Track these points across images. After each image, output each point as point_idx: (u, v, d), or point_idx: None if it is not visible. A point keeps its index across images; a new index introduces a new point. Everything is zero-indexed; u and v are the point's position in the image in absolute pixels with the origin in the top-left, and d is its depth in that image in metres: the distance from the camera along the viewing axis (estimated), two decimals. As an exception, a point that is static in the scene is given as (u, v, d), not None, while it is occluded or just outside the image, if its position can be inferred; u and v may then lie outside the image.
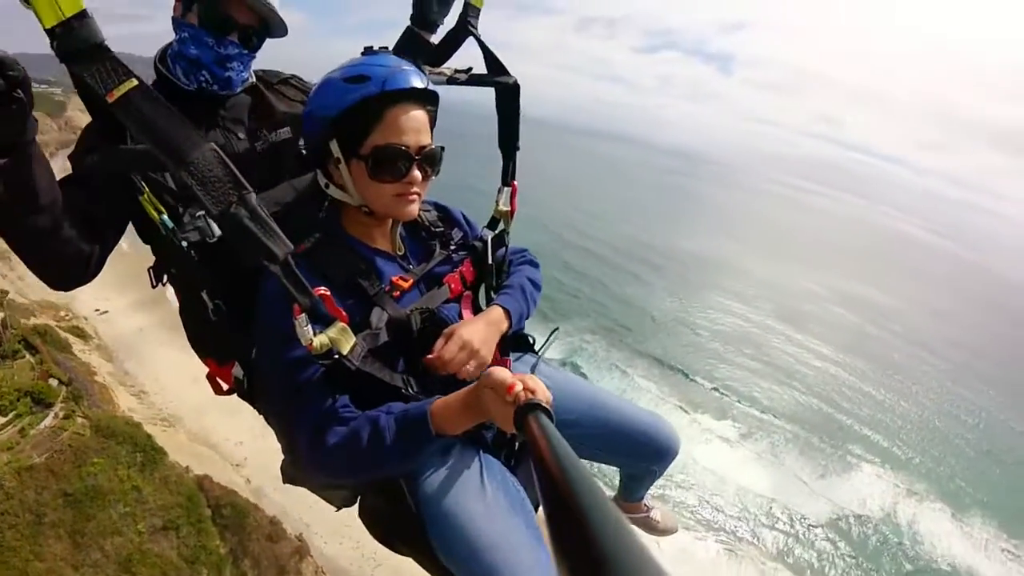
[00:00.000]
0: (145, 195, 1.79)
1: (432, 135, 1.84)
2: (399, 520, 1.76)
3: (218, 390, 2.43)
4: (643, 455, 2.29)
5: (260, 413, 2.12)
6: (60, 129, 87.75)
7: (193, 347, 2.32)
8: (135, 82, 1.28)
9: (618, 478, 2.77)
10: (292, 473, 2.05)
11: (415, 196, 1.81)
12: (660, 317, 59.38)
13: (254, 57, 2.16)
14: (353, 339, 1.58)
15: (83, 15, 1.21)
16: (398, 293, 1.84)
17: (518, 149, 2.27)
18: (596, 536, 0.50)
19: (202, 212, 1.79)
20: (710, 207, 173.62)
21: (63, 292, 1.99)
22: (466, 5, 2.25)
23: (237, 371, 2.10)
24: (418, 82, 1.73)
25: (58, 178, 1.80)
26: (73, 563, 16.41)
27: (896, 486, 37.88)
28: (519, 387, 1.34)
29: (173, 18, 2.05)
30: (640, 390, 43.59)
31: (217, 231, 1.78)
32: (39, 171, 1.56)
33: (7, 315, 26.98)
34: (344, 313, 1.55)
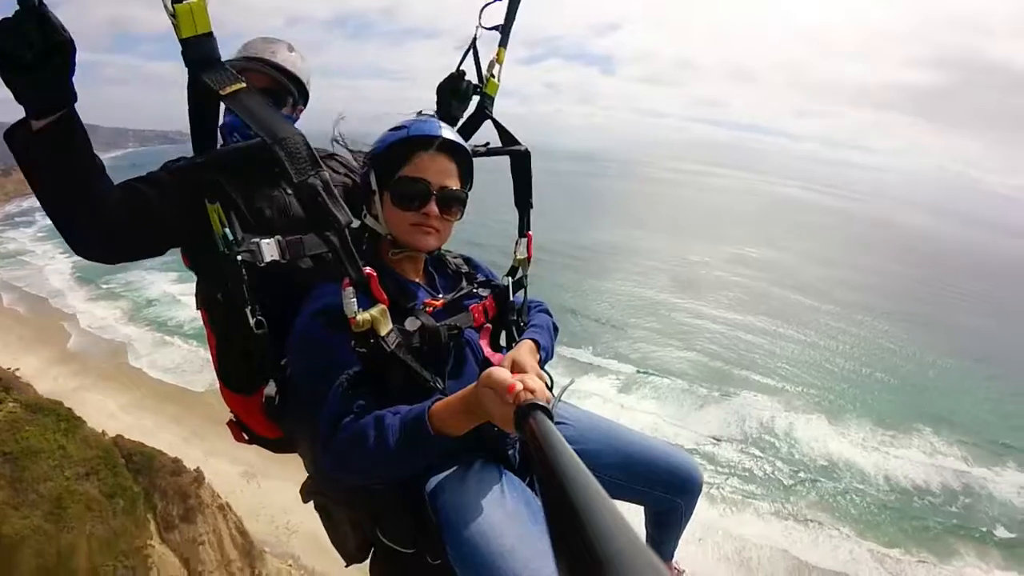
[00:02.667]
0: (216, 206, 1.86)
1: (463, 185, 1.99)
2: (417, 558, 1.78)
3: (239, 437, 2.49)
4: (665, 483, 2.20)
5: (286, 432, 2.21)
6: None
7: (225, 383, 2.34)
8: (244, 84, 1.54)
9: (644, 530, 2.59)
10: (314, 489, 2.09)
11: (432, 229, 1.91)
12: (571, 299, 61.19)
13: (282, 115, 2.20)
14: (391, 324, 1.66)
15: (210, 35, 1.48)
16: (430, 310, 1.90)
17: (532, 206, 2.42)
18: (596, 536, 0.48)
19: (256, 239, 1.92)
20: (610, 200, 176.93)
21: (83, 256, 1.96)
22: (483, 95, 2.46)
23: (269, 389, 2.07)
24: (444, 132, 1.91)
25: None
26: (13, 504, 20.51)
27: (774, 406, 41.36)
28: (519, 387, 1.33)
29: None
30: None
31: (266, 256, 1.92)
32: (81, 135, 1.66)
33: None
34: (386, 297, 1.65)
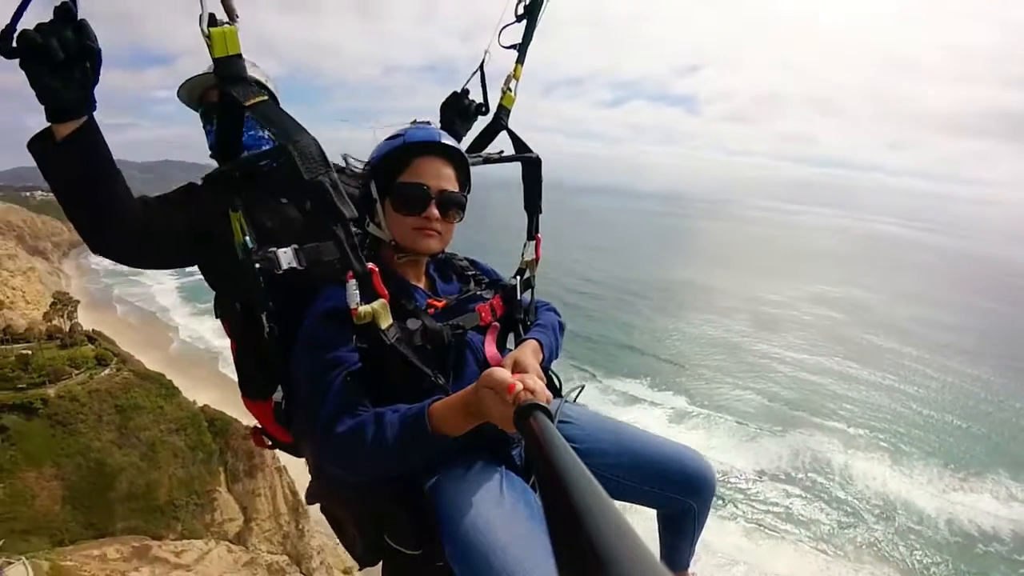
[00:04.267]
0: (239, 214, 1.89)
1: (461, 188, 2.00)
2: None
3: (261, 443, 2.57)
4: (677, 483, 2.09)
5: (294, 435, 2.24)
6: (70, 231, 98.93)
7: (243, 391, 2.41)
8: (265, 97, 1.65)
9: (657, 539, 2.41)
10: (317, 491, 2.10)
11: (433, 232, 1.92)
12: (639, 335, 62.44)
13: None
14: (391, 319, 1.69)
15: (239, 56, 1.61)
16: (432, 311, 1.91)
17: (540, 211, 2.42)
18: (596, 536, 0.48)
19: (272, 248, 1.95)
20: (698, 240, 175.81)
21: (96, 251, 2.07)
22: (499, 107, 2.51)
23: (277, 394, 2.12)
24: (441, 138, 1.94)
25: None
26: (118, 444, 28.59)
27: (831, 445, 40.65)
28: (519, 387, 1.31)
29: (206, 131, 2.44)
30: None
31: (283, 263, 1.96)
32: (103, 142, 1.75)
33: (74, 321, 43.22)
34: (387, 292, 1.67)
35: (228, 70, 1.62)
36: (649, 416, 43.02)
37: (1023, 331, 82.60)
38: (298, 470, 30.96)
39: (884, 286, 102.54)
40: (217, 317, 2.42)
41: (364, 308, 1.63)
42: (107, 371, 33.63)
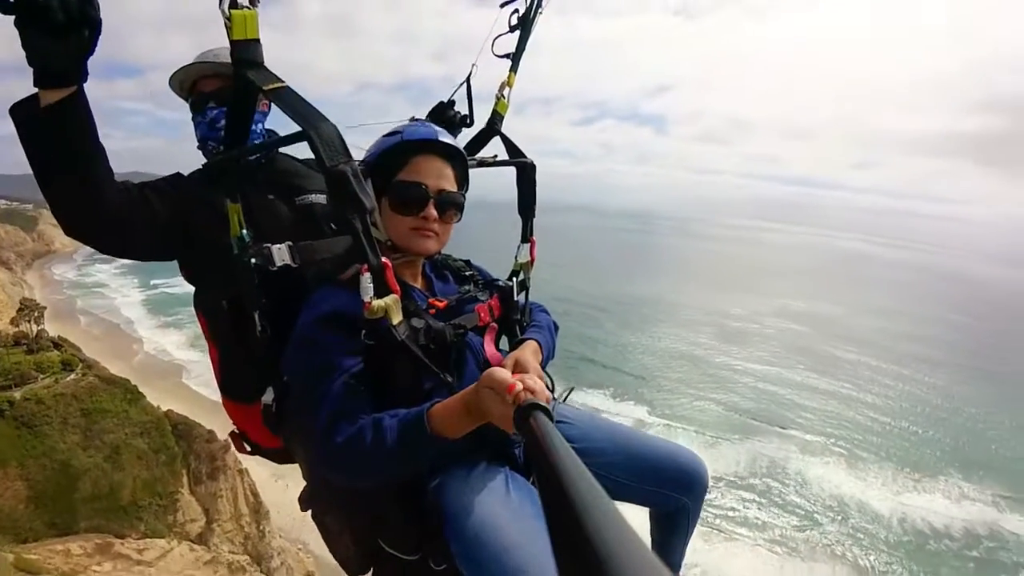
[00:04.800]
0: (238, 206, 1.86)
1: (459, 188, 2.00)
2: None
3: (241, 449, 2.53)
4: (672, 481, 2.11)
5: (285, 439, 2.18)
6: (34, 241, 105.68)
7: (227, 393, 2.40)
8: (285, 84, 1.62)
9: (649, 537, 2.43)
10: (312, 498, 2.09)
11: (431, 233, 1.91)
12: (603, 349, 63.06)
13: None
14: (402, 315, 1.67)
15: (257, 41, 1.59)
16: (433, 311, 1.90)
17: (534, 214, 2.42)
18: (596, 535, 0.48)
19: (267, 244, 1.89)
20: (665, 257, 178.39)
21: (74, 237, 1.97)
22: (494, 112, 2.52)
23: (267, 396, 2.06)
24: (440, 136, 1.93)
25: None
26: (83, 446, 29.26)
27: (787, 450, 41.63)
28: (519, 387, 1.32)
29: (192, 118, 2.36)
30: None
31: (277, 260, 1.89)
32: (89, 115, 1.68)
33: (40, 327, 44.27)
34: (399, 288, 1.64)
35: (247, 53, 1.60)
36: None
37: (982, 341, 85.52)
38: (260, 473, 32.02)
39: (848, 299, 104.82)
40: (199, 318, 2.37)
41: (377, 302, 1.59)
42: (72, 375, 34.24)
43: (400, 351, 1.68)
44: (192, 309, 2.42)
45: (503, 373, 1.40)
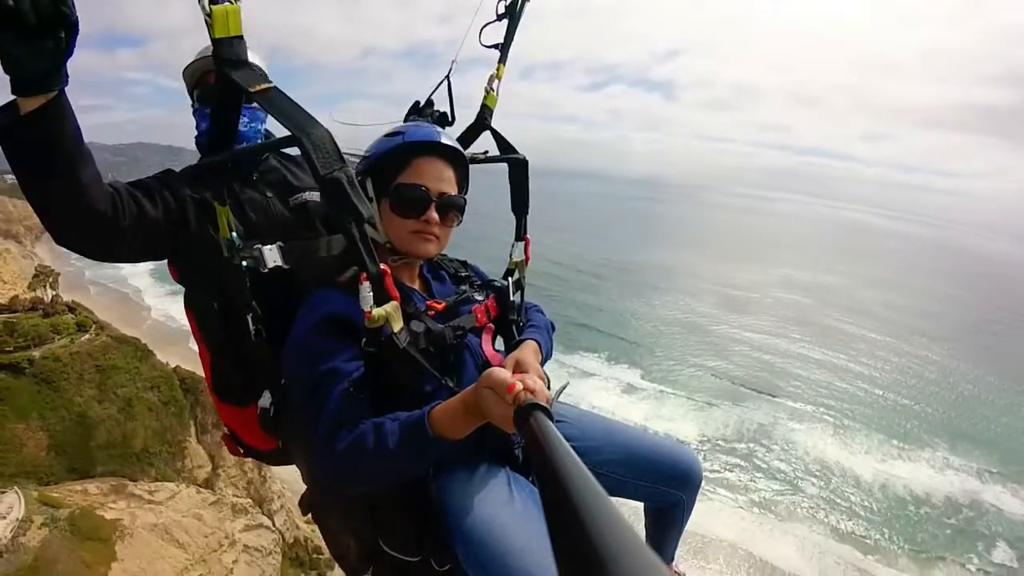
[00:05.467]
0: (227, 208, 1.83)
1: (460, 191, 1.99)
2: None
3: (234, 451, 2.53)
4: (668, 476, 2.15)
5: (283, 444, 2.18)
6: None
7: (219, 395, 2.35)
8: (273, 85, 1.57)
9: (643, 531, 2.48)
10: (313, 501, 2.09)
11: (432, 236, 1.90)
12: (600, 315, 64.03)
13: (254, 109, 2.29)
14: (402, 322, 1.66)
15: (240, 38, 1.52)
16: (432, 313, 1.89)
17: (528, 212, 2.39)
18: (596, 536, 0.48)
19: (257, 245, 1.92)
20: (672, 225, 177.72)
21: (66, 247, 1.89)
22: (483, 106, 2.45)
23: (264, 400, 2.04)
24: (442, 138, 1.91)
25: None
26: (98, 400, 31.46)
27: (776, 416, 42.82)
28: (519, 387, 1.33)
29: (192, 113, 2.33)
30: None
31: (269, 262, 1.92)
32: (72, 120, 1.58)
33: (55, 292, 46.00)
34: (398, 294, 1.63)
35: (229, 52, 1.54)
36: (602, 389, 44.97)
37: (983, 317, 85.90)
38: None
39: (853, 271, 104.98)
40: (188, 310, 2.31)
41: (378, 311, 1.57)
42: (87, 336, 35.85)
43: (402, 359, 1.67)
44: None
45: (502, 373, 1.40)
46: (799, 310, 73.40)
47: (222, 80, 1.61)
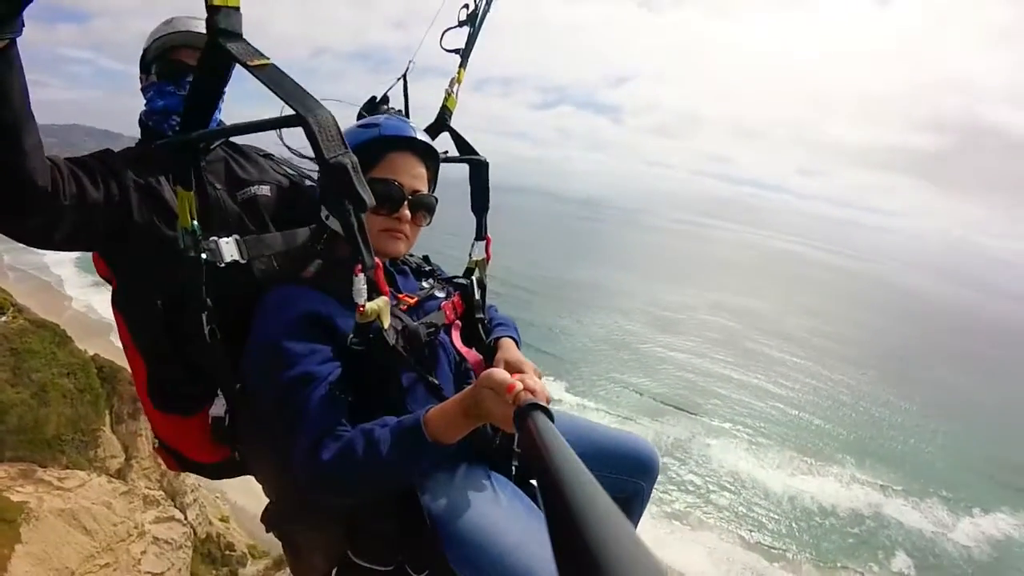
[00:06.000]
0: (190, 194, 1.69)
1: (430, 188, 1.98)
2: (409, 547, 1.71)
3: (172, 465, 2.35)
4: (631, 467, 2.21)
5: (241, 453, 2.07)
6: None
7: (157, 405, 2.14)
8: (271, 62, 1.46)
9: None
10: (282, 516, 1.96)
11: (402, 235, 1.90)
12: (529, 329, 63.36)
13: (218, 114, 2.14)
14: (390, 318, 1.62)
15: (237, 9, 1.42)
16: (404, 308, 1.87)
17: (488, 210, 2.42)
18: (598, 537, 0.48)
19: (215, 237, 1.79)
20: (610, 245, 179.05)
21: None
22: (443, 108, 2.44)
23: (217, 409, 1.93)
24: (417, 134, 1.92)
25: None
26: (12, 383, 28.01)
27: (694, 430, 44.30)
28: (519, 387, 1.35)
29: (141, 88, 2.15)
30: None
31: (226, 256, 1.80)
32: (21, 77, 1.41)
33: None
34: (388, 289, 1.60)
35: (225, 22, 1.43)
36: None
37: (899, 345, 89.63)
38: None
39: (781, 299, 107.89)
40: (117, 312, 2.11)
41: (371, 305, 1.53)
42: (3, 318, 36.40)
43: (388, 354, 1.63)
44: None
45: (502, 374, 1.42)
46: (725, 333, 75.22)
47: (213, 52, 1.47)
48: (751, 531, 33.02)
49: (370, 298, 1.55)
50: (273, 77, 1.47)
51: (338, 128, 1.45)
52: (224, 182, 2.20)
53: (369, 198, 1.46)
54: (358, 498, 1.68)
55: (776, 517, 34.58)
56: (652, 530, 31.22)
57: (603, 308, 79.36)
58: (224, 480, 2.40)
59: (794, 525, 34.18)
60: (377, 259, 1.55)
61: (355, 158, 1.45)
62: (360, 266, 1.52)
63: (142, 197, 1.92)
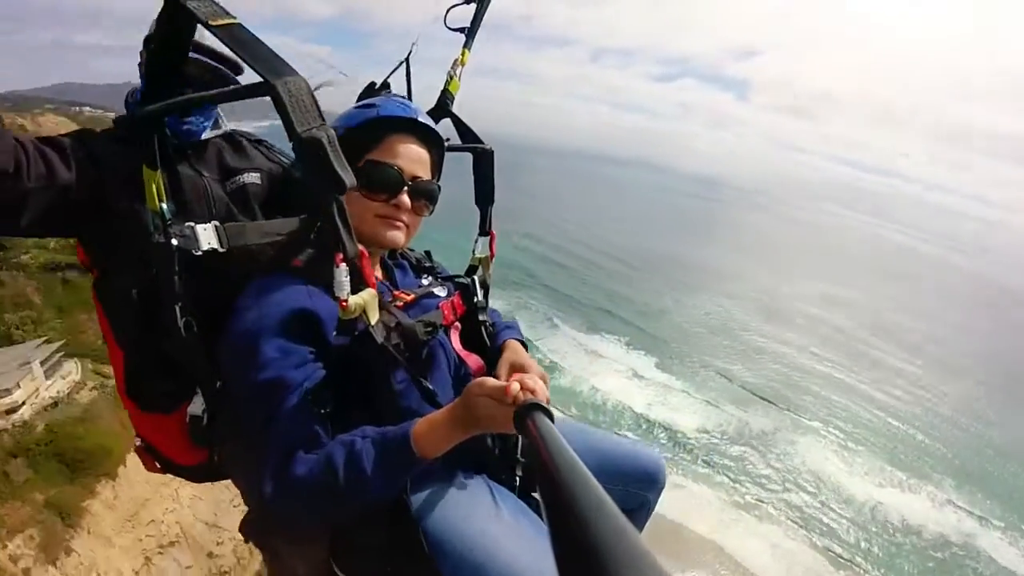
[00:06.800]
0: (158, 174, 1.58)
1: (434, 177, 1.85)
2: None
3: (151, 467, 2.22)
4: (637, 478, 2.06)
5: (218, 457, 1.97)
6: None
7: (135, 402, 2.00)
8: (238, 21, 1.35)
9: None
10: (258, 527, 1.84)
11: (401, 224, 1.76)
12: (627, 305, 64.82)
13: (215, 115, 2.09)
14: (378, 313, 1.51)
15: None
16: (401, 304, 1.77)
17: (493, 203, 2.25)
18: (597, 536, 0.49)
19: (189, 223, 1.65)
20: (725, 227, 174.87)
21: None
22: (444, 91, 2.28)
23: (195, 407, 1.82)
24: (419, 116, 1.79)
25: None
26: None
27: (782, 424, 43.34)
28: (516, 388, 1.29)
29: (139, 64, 1.89)
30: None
31: (203, 243, 1.65)
32: None
33: None
34: (375, 282, 1.48)
35: None
36: (612, 371, 46.36)
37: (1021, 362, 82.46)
38: None
39: (900, 298, 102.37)
40: (97, 302, 2.00)
41: (355, 299, 1.41)
42: None
43: (377, 354, 1.53)
44: None
45: (493, 380, 1.37)
46: (835, 330, 72.51)
47: (172, 11, 1.36)
48: (820, 535, 32.34)
49: (355, 291, 1.41)
50: (237, 37, 1.34)
51: (313, 97, 1.33)
52: (215, 171, 2.08)
53: (348, 177, 1.32)
54: (335, 519, 1.55)
55: (851, 525, 33.62)
56: (717, 514, 31.46)
57: (706, 290, 78.05)
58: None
59: (870, 537, 33.16)
60: (362, 247, 1.43)
61: (332, 132, 1.32)
62: (341, 255, 1.38)
63: (123, 180, 1.74)
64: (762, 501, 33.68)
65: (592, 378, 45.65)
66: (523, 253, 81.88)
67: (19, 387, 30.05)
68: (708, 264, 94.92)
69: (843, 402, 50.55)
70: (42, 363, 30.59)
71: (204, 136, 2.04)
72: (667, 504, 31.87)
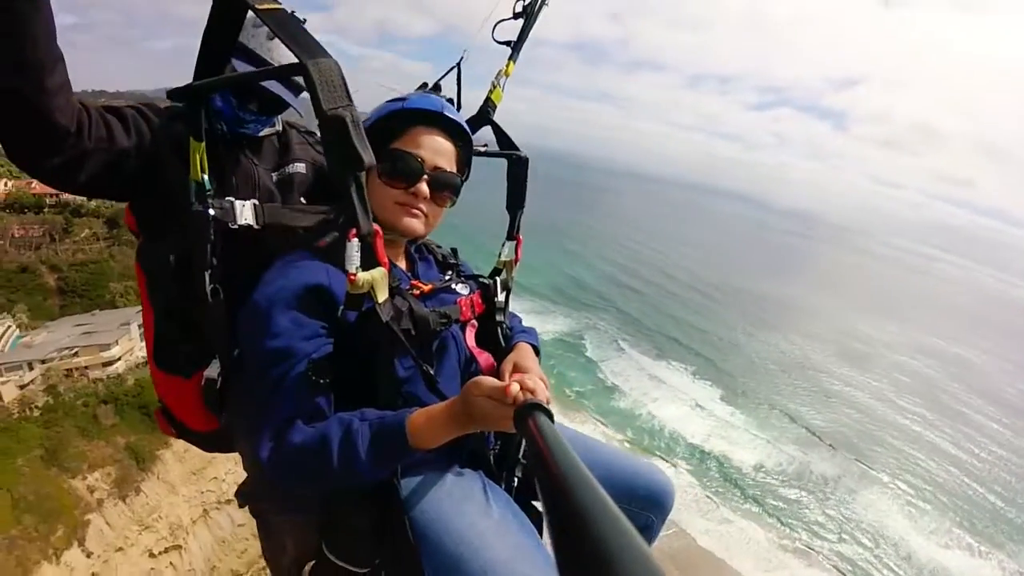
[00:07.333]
0: (202, 145, 1.66)
1: (459, 171, 1.88)
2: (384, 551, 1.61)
3: (166, 430, 2.30)
4: (643, 498, 2.03)
5: (225, 423, 2.01)
6: None
7: (159, 364, 2.12)
8: (283, 7, 1.43)
9: None
10: (253, 493, 1.85)
11: (419, 212, 1.78)
12: (698, 335, 64.17)
13: (273, 120, 2.17)
14: (387, 293, 1.51)
15: None
16: (417, 293, 1.79)
17: (523, 209, 2.24)
18: (597, 536, 0.48)
19: (230, 198, 1.78)
20: (814, 264, 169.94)
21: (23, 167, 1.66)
22: (488, 100, 2.31)
23: (211, 371, 1.87)
24: (444, 110, 1.80)
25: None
26: None
27: (847, 470, 42.09)
28: (515, 388, 1.30)
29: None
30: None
31: (240, 218, 1.78)
32: (43, 14, 1.38)
33: None
34: (387, 261, 1.48)
35: None
36: (675, 399, 46.25)
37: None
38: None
39: (997, 352, 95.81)
40: (138, 267, 2.09)
41: (364, 275, 1.41)
42: None
43: (382, 333, 1.52)
44: None
45: (492, 380, 1.38)
46: (920, 380, 69.20)
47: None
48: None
49: (366, 268, 1.43)
50: (281, 22, 1.43)
51: (343, 79, 1.37)
52: (267, 162, 2.17)
53: (368, 156, 1.36)
54: (322, 489, 1.59)
55: (910, 582, 32.08)
56: (763, 555, 30.85)
57: (782, 328, 76.26)
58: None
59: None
60: (377, 227, 1.44)
61: (356, 112, 1.37)
62: (355, 231, 1.41)
63: (173, 150, 1.84)
64: (812, 548, 32.78)
65: (651, 404, 45.61)
66: (596, 274, 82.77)
67: (117, 344, 36.06)
68: (788, 301, 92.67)
69: (917, 456, 48.37)
70: (139, 326, 32.96)
71: (261, 134, 2.14)
72: (712, 538, 32.54)
